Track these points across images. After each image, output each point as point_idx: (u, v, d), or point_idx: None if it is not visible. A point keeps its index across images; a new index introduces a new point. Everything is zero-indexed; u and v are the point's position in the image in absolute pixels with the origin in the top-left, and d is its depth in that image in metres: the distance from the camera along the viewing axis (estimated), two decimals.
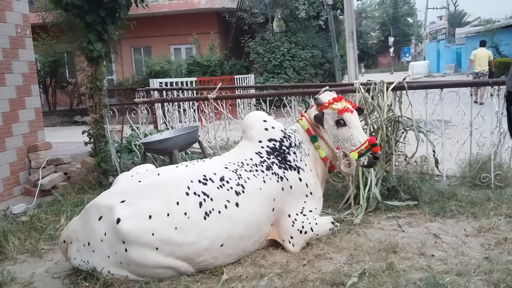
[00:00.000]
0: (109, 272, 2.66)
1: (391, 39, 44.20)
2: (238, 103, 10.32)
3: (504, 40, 21.73)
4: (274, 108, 5.51)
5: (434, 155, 4.26)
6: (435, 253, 2.90)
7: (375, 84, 4.23)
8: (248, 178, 3.06)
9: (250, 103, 10.08)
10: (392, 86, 4.23)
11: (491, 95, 4.51)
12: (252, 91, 9.14)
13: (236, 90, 9.01)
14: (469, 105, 4.38)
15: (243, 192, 2.97)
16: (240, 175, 3.06)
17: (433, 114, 4.44)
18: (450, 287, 2.41)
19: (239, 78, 13.36)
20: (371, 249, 2.96)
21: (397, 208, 3.75)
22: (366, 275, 2.59)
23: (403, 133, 4.30)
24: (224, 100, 5.64)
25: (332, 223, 3.33)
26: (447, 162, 4.42)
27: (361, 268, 2.67)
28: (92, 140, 5.08)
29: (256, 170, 3.13)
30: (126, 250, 2.61)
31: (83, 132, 5.16)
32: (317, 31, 15.96)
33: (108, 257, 2.66)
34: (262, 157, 3.23)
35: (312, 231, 3.14)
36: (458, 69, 31.38)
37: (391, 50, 44.67)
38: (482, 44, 13.97)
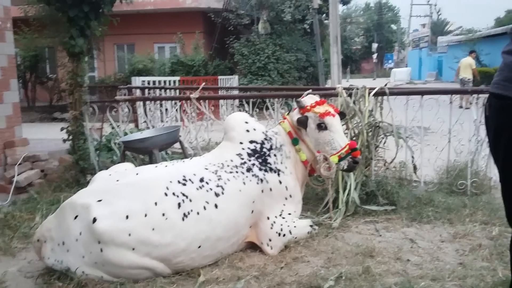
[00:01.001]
0: (83, 272, 2.61)
1: (374, 45, 44.71)
2: (221, 104, 10.28)
3: (484, 50, 22.20)
4: (257, 110, 5.51)
5: (412, 161, 4.32)
6: (411, 258, 2.93)
7: (357, 89, 4.26)
8: (228, 180, 3.05)
9: (233, 104, 10.06)
10: (374, 91, 4.27)
11: (470, 103, 4.58)
12: (236, 92, 9.13)
13: (220, 91, 8.98)
14: (448, 112, 4.44)
15: (222, 193, 2.96)
16: (220, 176, 3.04)
17: (413, 121, 4.50)
18: None
19: (222, 79, 13.32)
20: (348, 253, 2.98)
21: (375, 212, 3.79)
22: (343, 279, 2.60)
23: (383, 138, 4.34)
24: (206, 101, 5.62)
25: (311, 226, 3.34)
26: (425, 168, 4.49)
27: (338, 271, 2.68)
28: (70, 137, 4.99)
29: (236, 172, 3.12)
30: (101, 250, 2.57)
31: (61, 129, 5.07)
32: (302, 34, 16.04)
33: (83, 257, 2.62)
34: (242, 158, 3.22)
35: (291, 234, 3.14)
36: (439, 77, 31.90)
37: (374, 56, 45.19)
38: (470, 52, 15.02)
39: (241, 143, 3.31)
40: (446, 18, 49.34)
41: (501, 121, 1.39)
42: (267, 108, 5.25)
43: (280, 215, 3.19)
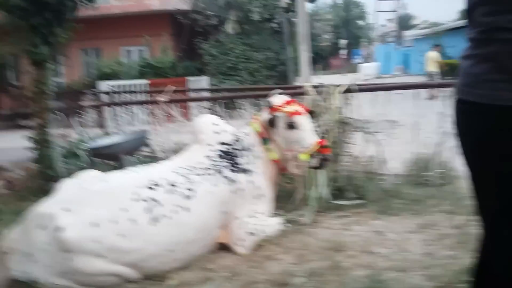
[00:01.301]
0: (51, 283, 2.56)
1: (342, 42, 45.28)
2: (191, 106, 10.21)
3: (450, 42, 22.73)
4: (227, 110, 5.51)
5: (381, 155, 4.40)
6: (379, 250, 2.99)
7: (325, 86, 4.31)
8: (198, 182, 3.04)
9: (202, 106, 9.99)
10: (342, 88, 4.31)
11: (435, 96, 4.71)
12: (205, 94, 9.08)
13: (189, 93, 8.92)
14: (415, 105, 4.53)
15: (193, 196, 2.95)
16: (190, 179, 3.04)
17: (381, 115, 4.57)
18: (393, 283, 2.50)
19: (191, 80, 13.24)
20: (319, 249, 3.02)
21: (345, 207, 3.85)
22: (313, 275, 2.64)
23: (352, 134, 4.39)
24: (176, 103, 5.58)
25: (282, 224, 3.37)
26: (393, 162, 4.57)
27: (309, 267, 2.72)
28: (36, 145, 4.87)
29: (207, 174, 3.12)
30: (69, 260, 2.53)
31: (26, 137, 4.95)
32: (271, 33, 16.08)
33: (51, 267, 2.57)
34: (212, 160, 3.23)
35: (262, 233, 3.16)
36: (407, 70, 32.52)
37: (343, 52, 45.76)
38: (434, 46, 15.61)
39: (210, 145, 3.32)
40: (411, 13, 50.47)
41: (465, 125, 1.45)
42: (237, 109, 5.25)
43: (252, 214, 3.21)
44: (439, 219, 3.44)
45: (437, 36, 23.88)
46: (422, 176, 4.35)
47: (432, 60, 15.23)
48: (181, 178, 3.02)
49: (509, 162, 1.30)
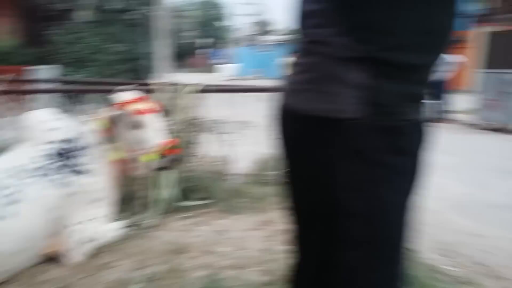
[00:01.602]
0: None
1: (203, 41, 45.78)
2: (35, 99, 9.24)
3: None
4: (73, 104, 5.10)
5: (230, 155, 4.51)
6: (220, 249, 3.07)
7: (178, 85, 4.25)
8: (27, 185, 2.73)
9: (47, 98, 9.12)
10: (195, 87, 4.30)
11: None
12: (48, 86, 8.29)
13: (32, 83, 8.04)
14: (265, 108, 4.74)
15: (19, 201, 2.64)
16: (16, 181, 2.71)
17: (233, 116, 4.69)
18: (230, 281, 2.58)
19: (33, 69, 11.98)
20: (160, 252, 2.97)
21: (191, 208, 3.85)
22: (152, 280, 2.58)
23: (203, 134, 4.43)
24: (15, 94, 4.97)
25: (123, 228, 3.23)
26: (242, 162, 4.73)
27: (148, 273, 2.65)
28: None
29: (38, 176, 2.82)
30: None
31: None
32: (129, 25, 15.42)
33: None
34: (45, 160, 2.93)
35: (100, 239, 2.99)
36: (264, 74, 34.26)
37: (204, 51, 46.28)
38: (290, 53, 16.61)
39: (41, 143, 3.01)
40: (271, 18, 53.34)
41: (280, 129, 1.51)
42: (84, 103, 4.90)
43: (89, 220, 3.00)
44: (277, 216, 3.65)
45: (296, 43, 25.61)
46: (264, 176, 4.58)
47: (288, 65, 16.38)
48: (7, 179, 2.68)
49: (313, 167, 1.39)
